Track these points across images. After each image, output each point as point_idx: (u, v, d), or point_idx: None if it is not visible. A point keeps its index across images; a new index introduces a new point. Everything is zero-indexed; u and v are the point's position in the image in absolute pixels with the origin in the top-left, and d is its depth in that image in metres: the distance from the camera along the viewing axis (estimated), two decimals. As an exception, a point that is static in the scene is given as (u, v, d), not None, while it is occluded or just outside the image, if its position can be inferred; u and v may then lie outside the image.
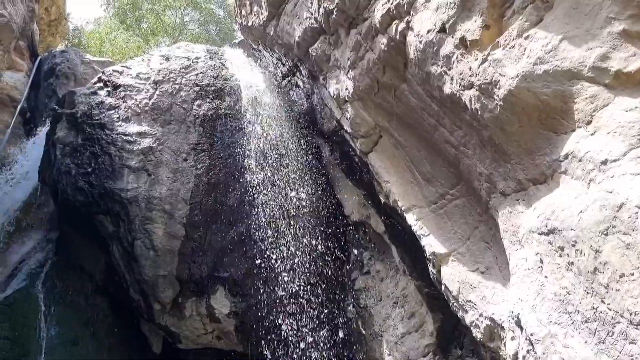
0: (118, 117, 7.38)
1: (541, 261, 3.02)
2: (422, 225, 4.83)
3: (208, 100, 7.85)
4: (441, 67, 3.74)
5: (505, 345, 3.65)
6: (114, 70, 8.13)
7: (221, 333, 7.13)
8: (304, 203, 7.32)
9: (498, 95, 3.18)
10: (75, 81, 9.81)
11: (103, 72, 8.18)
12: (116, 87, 7.72)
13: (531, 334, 2.97)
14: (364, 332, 6.75)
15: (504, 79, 3.12)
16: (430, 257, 4.69)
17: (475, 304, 4.11)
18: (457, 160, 4.22)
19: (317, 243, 7.21)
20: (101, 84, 7.80)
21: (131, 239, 6.80)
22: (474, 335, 4.20)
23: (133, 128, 7.28)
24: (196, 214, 7.05)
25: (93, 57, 11.61)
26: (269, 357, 6.73)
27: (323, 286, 7.08)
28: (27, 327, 5.95)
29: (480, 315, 4.03)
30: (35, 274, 7.08)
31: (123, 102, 7.54)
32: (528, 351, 3.07)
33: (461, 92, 3.57)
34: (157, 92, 7.72)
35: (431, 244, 4.68)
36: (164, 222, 6.89)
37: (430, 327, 5.75)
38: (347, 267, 7.31)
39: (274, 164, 7.34)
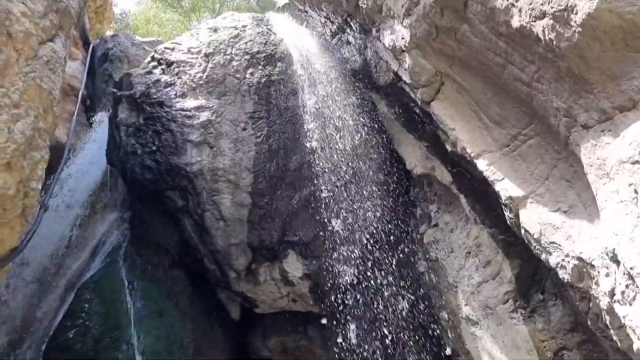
0: (175, 94, 7.49)
1: (636, 192, 2.86)
2: (495, 170, 4.68)
3: (260, 67, 7.83)
4: (507, 0, 3.54)
5: (597, 283, 3.52)
6: (165, 48, 8.21)
7: (296, 296, 7.27)
8: (364, 161, 7.27)
9: (575, 21, 2.98)
10: (128, 63, 10.02)
11: (155, 51, 8.28)
12: (169, 64, 7.82)
13: (631, 268, 2.84)
14: (437, 285, 6.71)
15: (582, 2, 2.91)
16: (506, 202, 4.54)
17: (559, 245, 3.97)
18: (530, 98, 4.03)
19: (381, 200, 7.17)
20: (155, 63, 7.91)
21: (200, 212, 6.97)
22: (560, 277, 4.07)
23: (190, 103, 7.37)
24: (260, 181, 7.13)
25: (142, 38, 11.79)
26: (346, 316, 6.83)
27: (391, 243, 7.07)
28: (115, 301, 6.26)
29: (567, 255, 3.89)
30: (114, 253, 7.38)
31: (178, 78, 7.63)
32: (627, 286, 2.94)
33: (532, 23, 3.38)
34: (210, 65, 7.77)
35: (506, 188, 4.53)
36: (230, 192, 7.00)
37: (508, 274, 5.64)
38: (414, 221, 7.25)
39: (332, 124, 7.29)
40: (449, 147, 5.43)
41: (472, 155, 4.93)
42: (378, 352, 6.69)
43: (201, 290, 7.56)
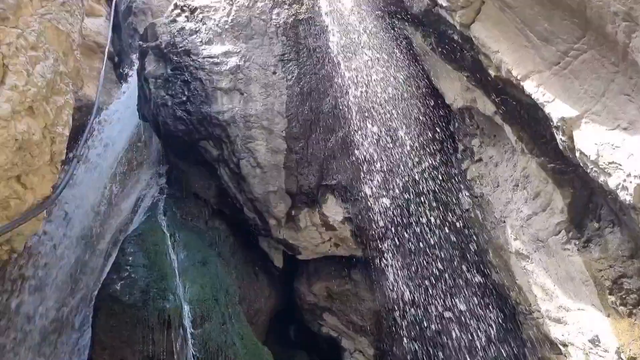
0: (201, 41, 7.28)
1: None
2: (544, 92, 4.35)
3: (286, 7, 7.51)
4: None
5: (664, 201, 3.24)
6: (187, -6, 7.95)
7: (338, 240, 7.17)
8: (400, 98, 6.96)
9: None
10: (152, 15, 9.82)
11: (177, -1, 8.03)
12: (193, 10, 7.57)
13: None
14: (483, 221, 6.48)
15: None
16: (558, 124, 4.23)
17: (620, 165, 3.67)
18: (583, 6, 3.66)
19: (420, 137, 6.89)
20: (178, 11, 7.67)
21: (236, 160, 6.86)
22: (621, 199, 3.79)
23: (217, 49, 7.16)
24: (294, 125, 6.93)
25: (163, -13, 11.49)
26: (389, 258, 6.71)
27: (433, 181, 6.83)
28: (159, 253, 6.28)
29: (629, 175, 3.60)
30: (154, 207, 7.40)
31: (203, 24, 7.40)
32: None
33: None
34: (234, 8, 7.49)
35: (557, 109, 4.21)
36: (265, 139, 6.85)
37: (560, 204, 5.35)
38: (456, 158, 6.97)
39: (364, 61, 6.97)
40: (492, 73, 5.09)
41: (519, 77, 4.59)
42: (424, 292, 6.58)
43: (243, 239, 7.55)
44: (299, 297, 7.73)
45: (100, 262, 6.66)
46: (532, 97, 4.47)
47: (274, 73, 7.10)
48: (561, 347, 5.50)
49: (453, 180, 6.82)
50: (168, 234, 6.68)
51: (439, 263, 6.42)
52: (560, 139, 4.31)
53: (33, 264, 6.12)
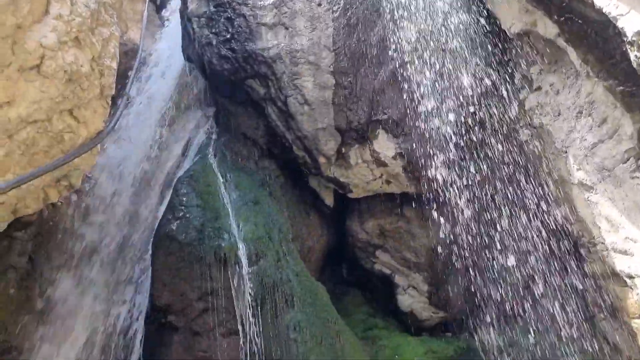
0: (242, -25, 7.04)
1: None
2: (617, 3, 3.97)
3: None
4: None
5: None
6: None
7: (390, 177, 7.03)
8: (452, 26, 6.58)
9: None
10: (192, -48, 9.55)
11: None
12: (232, -57, 7.29)
13: None
14: (543, 152, 6.18)
15: None
16: (633, 39, 3.87)
17: None
18: None
19: (474, 66, 6.54)
20: (217, -55, 7.40)
21: (283, 97, 6.73)
22: None
23: (260, -18, 6.92)
24: (342, 60, 6.70)
25: None
26: (443, 193, 6.54)
27: (488, 112, 6.53)
28: (211, 194, 6.33)
29: None
30: (204, 149, 7.42)
31: (243, -43, 7.13)
32: None
33: None
34: (274, -62, 7.17)
35: (632, 21, 3.84)
36: (312, 74, 6.67)
37: (629, 130, 4.99)
38: (513, 87, 6.60)
39: (414, -12, 6.59)
40: (557, -14, 4.69)
41: (588, -10, 4.21)
42: (481, 227, 6.42)
43: (293, 178, 7.52)
44: (351, 235, 7.72)
45: (154, 204, 6.78)
46: (603, 11, 4.10)
47: (319, 5, 6.82)
48: (627, 279, 5.29)
49: (510, 110, 6.51)
50: (219, 175, 6.70)
51: (495, 197, 6.22)
52: (635, 55, 3.95)
53: (93, 202, 6.32)
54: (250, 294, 5.72)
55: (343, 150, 6.83)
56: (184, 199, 6.23)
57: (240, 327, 5.55)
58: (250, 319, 5.59)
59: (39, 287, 5.90)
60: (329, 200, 7.72)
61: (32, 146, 3.29)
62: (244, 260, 5.87)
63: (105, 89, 3.51)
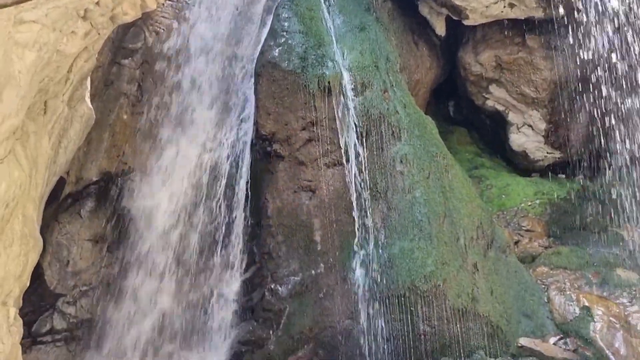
0: None
1: None
2: None
3: None
4: None
5: None
6: None
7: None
8: None
9: None
10: None
11: None
12: None
13: None
14: None
15: None
16: None
17: None
18: None
19: None
20: None
21: None
22: None
23: None
24: None
25: None
26: (580, 15, 5.66)
27: None
28: (314, 19, 5.85)
29: None
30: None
31: None
32: None
33: None
34: None
35: None
36: None
37: None
38: None
39: None
40: None
41: None
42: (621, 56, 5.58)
43: (401, 4, 6.82)
44: (463, 67, 7.10)
45: (255, 30, 6.46)
46: None
47: None
48: None
49: None
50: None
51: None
52: None
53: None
54: (355, 125, 5.50)
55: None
56: (286, 24, 5.85)
57: (344, 158, 5.43)
58: (355, 150, 5.43)
59: (147, 113, 6.03)
60: (440, 28, 7.02)
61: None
62: (349, 90, 5.57)
63: None
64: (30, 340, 5.08)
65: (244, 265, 5.45)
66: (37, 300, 5.17)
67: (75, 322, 5.29)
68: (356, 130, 5.47)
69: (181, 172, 5.73)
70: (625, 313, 4.76)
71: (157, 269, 5.42)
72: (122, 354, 5.19)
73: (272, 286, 5.14)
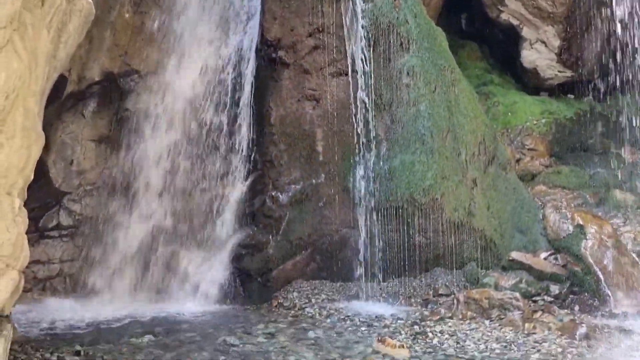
0: None
1: None
2: None
3: None
4: None
5: None
6: None
7: None
8: None
9: None
10: None
11: None
12: None
13: None
14: None
15: None
16: None
17: None
18: None
19: None
20: None
21: None
22: None
23: None
24: None
25: None
26: None
27: None
28: None
29: None
30: None
31: None
32: None
33: None
34: None
35: None
36: None
37: None
38: None
39: None
40: None
41: None
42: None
43: None
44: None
45: None
46: None
47: None
48: None
49: None
50: None
51: None
52: None
53: None
54: (363, 34, 5.34)
55: None
56: None
57: (350, 68, 5.32)
58: (362, 60, 5.31)
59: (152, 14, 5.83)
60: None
61: None
62: (358, -5, 5.36)
63: None
64: (37, 234, 5.25)
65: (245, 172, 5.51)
66: (43, 196, 5.27)
67: (80, 219, 5.43)
68: (364, 40, 5.32)
69: (185, 75, 5.64)
70: (618, 232, 4.86)
71: (160, 170, 5.48)
72: (127, 251, 5.37)
73: (273, 193, 5.23)
